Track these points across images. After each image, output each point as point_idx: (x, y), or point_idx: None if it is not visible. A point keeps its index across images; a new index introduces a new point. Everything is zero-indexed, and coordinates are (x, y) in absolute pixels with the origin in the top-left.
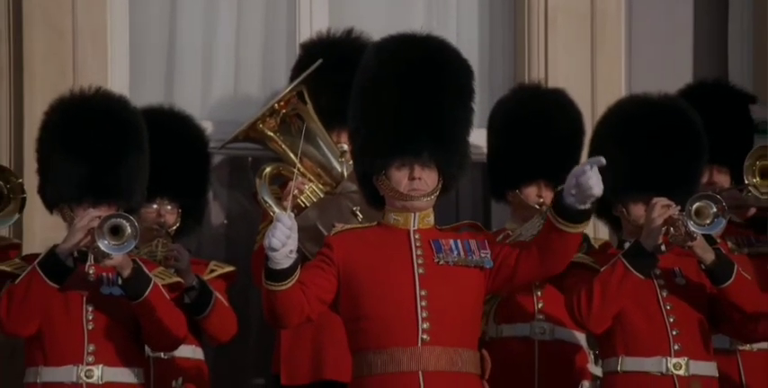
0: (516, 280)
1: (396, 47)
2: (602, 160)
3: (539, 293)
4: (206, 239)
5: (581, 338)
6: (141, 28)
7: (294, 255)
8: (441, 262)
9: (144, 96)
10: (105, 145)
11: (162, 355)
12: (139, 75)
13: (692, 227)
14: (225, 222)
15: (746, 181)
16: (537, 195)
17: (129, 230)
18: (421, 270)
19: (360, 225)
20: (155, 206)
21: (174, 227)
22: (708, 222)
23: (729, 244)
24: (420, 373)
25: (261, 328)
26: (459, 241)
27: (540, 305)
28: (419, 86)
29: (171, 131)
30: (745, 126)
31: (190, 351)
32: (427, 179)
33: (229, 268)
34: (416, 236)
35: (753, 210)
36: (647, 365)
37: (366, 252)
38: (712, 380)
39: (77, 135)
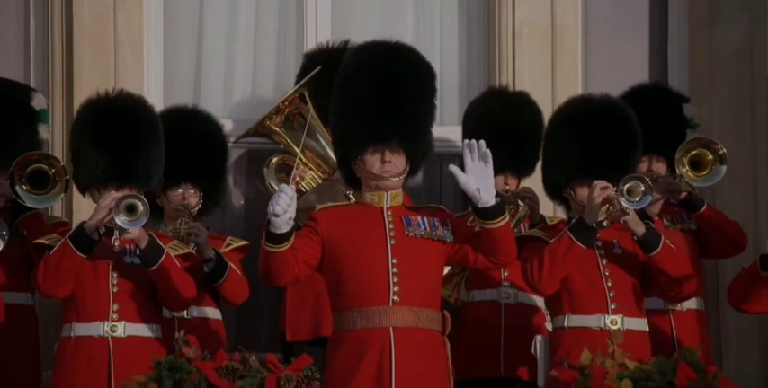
0: (477, 267)
1: (370, 51)
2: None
3: None
4: (228, 218)
5: (540, 301)
6: (173, 42)
7: (292, 222)
8: (410, 234)
9: (175, 99)
10: (126, 138)
11: (185, 315)
12: (172, 82)
13: (624, 204)
14: (243, 204)
15: (678, 171)
16: (504, 183)
17: (141, 208)
18: (393, 242)
19: (341, 204)
20: (180, 190)
21: (197, 208)
22: (637, 199)
23: (665, 222)
24: (391, 328)
25: (272, 293)
26: (425, 218)
27: (505, 274)
28: (389, 85)
29: (194, 127)
30: (679, 122)
31: (209, 312)
32: (396, 162)
33: (243, 243)
34: (389, 212)
35: (684, 194)
36: (589, 321)
37: (346, 226)
38: (644, 334)
39: (102, 129)
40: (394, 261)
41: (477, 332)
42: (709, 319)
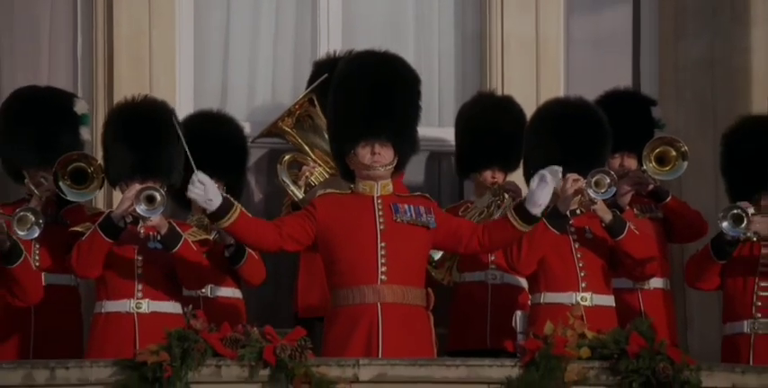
0: (464, 252)
1: (361, 60)
2: (557, 173)
3: None
4: (250, 210)
5: (523, 282)
6: (202, 56)
7: (215, 201)
8: (397, 220)
9: (204, 105)
10: (149, 137)
11: (209, 294)
12: (201, 90)
13: (592, 194)
14: (263, 197)
15: (644, 166)
16: (491, 177)
17: (159, 198)
18: (382, 227)
19: (339, 191)
20: None
21: None
22: (603, 190)
23: (636, 211)
24: (378, 304)
25: (288, 276)
26: (411, 206)
27: (492, 258)
28: (378, 87)
29: (219, 128)
30: (648, 123)
31: (230, 292)
32: (385, 154)
33: None
34: (379, 201)
35: (651, 186)
36: (562, 298)
37: (341, 212)
38: (610, 309)
39: (128, 130)
40: (382, 244)
41: (467, 309)
42: (675, 297)
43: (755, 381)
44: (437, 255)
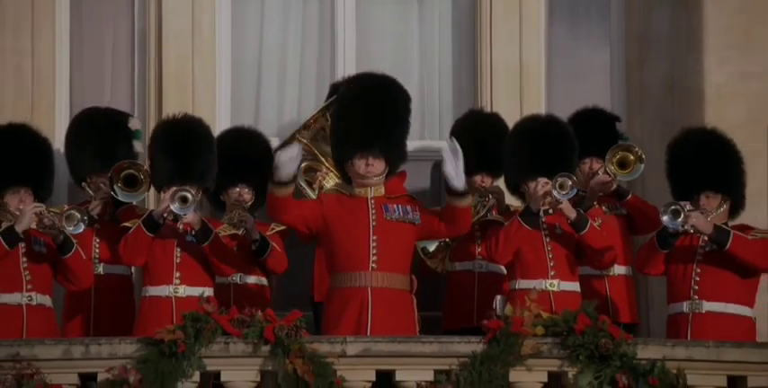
0: (440, 235)
1: (361, 80)
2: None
3: (478, 241)
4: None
5: (506, 270)
6: (238, 80)
7: (292, 176)
8: (387, 218)
9: (239, 121)
10: (186, 148)
11: (239, 281)
12: (238, 109)
13: (557, 195)
14: None
15: (607, 170)
16: (480, 181)
17: (190, 199)
18: (374, 223)
19: (339, 190)
20: (237, 188)
21: (250, 203)
22: (566, 192)
23: (604, 209)
24: (369, 288)
25: (309, 266)
26: (400, 205)
27: (479, 250)
28: (373, 106)
29: (249, 141)
30: (613, 135)
31: (257, 279)
32: (377, 165)
33: (283, 227)
34: (372, 202)
35: (615, 186)
36: (534, 284)
37: (340, 210)
38: (576, 293)
39: (169, 142)
40: (374, 238)
41: (458, 294)
42: (637, 282)
43: (683, 353)
44: (432, 247)
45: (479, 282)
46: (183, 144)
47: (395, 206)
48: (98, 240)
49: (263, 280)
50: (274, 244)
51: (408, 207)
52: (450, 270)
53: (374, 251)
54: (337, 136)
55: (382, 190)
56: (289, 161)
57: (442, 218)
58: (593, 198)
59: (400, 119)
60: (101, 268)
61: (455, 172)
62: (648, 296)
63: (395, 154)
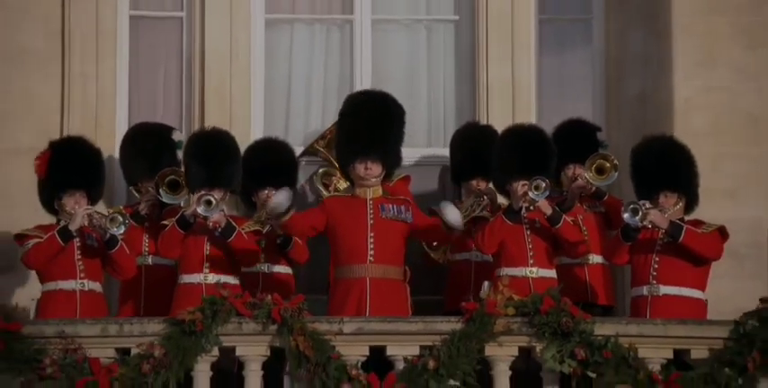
0: (424, 240)
1: (363, 96)
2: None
3: (474, 235)
4: (298, 203)
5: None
6: (270, 98)
7: (286, 208)
8: (383, 217)
9: (272, 132)
10: (214, 157)
11: (266, 270)
12: (269, 121)
13: (532, 195)
14: (310, 201)
15: (586, 175)
16: (477, 184)
17: (214, 202)
18: (372, 221)
19: (342, 194)
20: (266, 191)
21: None
22: (540, 192)
23: (584, 207)
24: (367, 278)
25: (326, 256)
26: (395, 205)
27: None
28: (372, 119)
29: (276, 150)
30: (594, 143)
31: (283, 268)
32: (375, 169)
33: (256, 228)
34: (370, 202)
35: (593, 188)
36: (515, 271)
37: (342, 210)
38: (552, 279)
39: (199, 151)
40: (371, 234)
41: (457, 280)
42: (614, 270)
43: (635, 329)
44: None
45: (476, 270)
46: (212, 153)
47: (390, 205)
48: (147, 236)
49: (288, 269)
50: (297, 239)
51: (402, 207)
52: (451, 260)
53: (371, 247)
54: (341, 143)
55: (380, 191)
56: (281, 203)
57: (428, 234)
58: (575, 199)
59: (394, 128)
60: (149, 260)
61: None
62: (624, 282)
63: (390, 158)
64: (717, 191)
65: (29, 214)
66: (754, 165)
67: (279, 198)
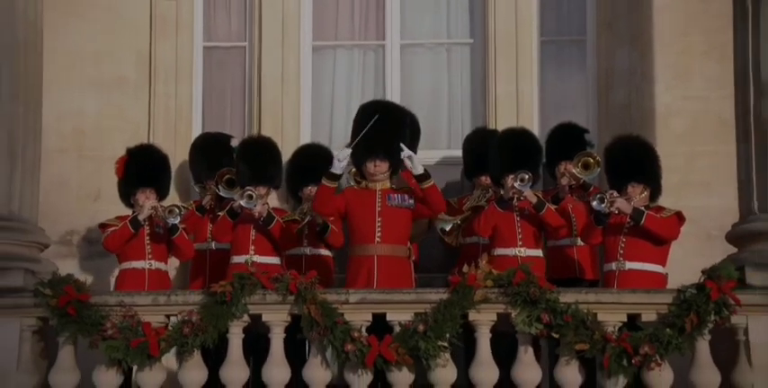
0: (423, 216)
1: (373, 105)
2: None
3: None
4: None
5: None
6: (318, 112)
7: (344, 170)
8: (390, 204)
9: (316, 139)
10: (259, 158)
11: (308, 252)
12: (316, 132)
13: (517, 186)
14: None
15: (573, 170)
16: (485, 180)
17: (254, 196)
18: (379, 208)
19: (356, 186)
20: (309, 187)
21: None
22: (523, 184)
23: (574, 197)
24: (375, 256)
25: None
26: (400, 195)
27: None
28: (380, 125)
29: (318, 153)
30: (582, 143)
31: (323, 252)
32: (382, 166)
33: (294, 217)
34: (379, 193)
35: (581, 181)
36: (506, 251)
37: (356, 198)
38: (540, 258)
39: (248, 154)
40: (379, 219)
41: (467, 260)
42: (599, 251)
43: (594, 298)
44: (448, 227)
45: (483, 251)
46: (257, 156)
47: (396, 195)
48: (211, 225)
49: (328, 252)
50: (333, 227)
51: (406, 196)
52: (462, 243)
53: (379, 229)
54: (354, 146)
55: (388, 184)
56: (343, 159)
57: (421, 202)
58: (564, 191)
59: (399, 132)
60: (213, 245)
61: (412, 165)
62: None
63: (395, 158)
64: (693, 183)
65: (126, 210)
66: (724, 161)
67: (344, 154)
